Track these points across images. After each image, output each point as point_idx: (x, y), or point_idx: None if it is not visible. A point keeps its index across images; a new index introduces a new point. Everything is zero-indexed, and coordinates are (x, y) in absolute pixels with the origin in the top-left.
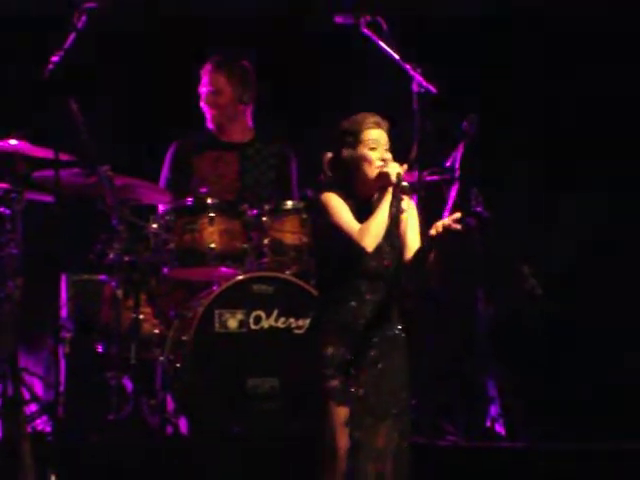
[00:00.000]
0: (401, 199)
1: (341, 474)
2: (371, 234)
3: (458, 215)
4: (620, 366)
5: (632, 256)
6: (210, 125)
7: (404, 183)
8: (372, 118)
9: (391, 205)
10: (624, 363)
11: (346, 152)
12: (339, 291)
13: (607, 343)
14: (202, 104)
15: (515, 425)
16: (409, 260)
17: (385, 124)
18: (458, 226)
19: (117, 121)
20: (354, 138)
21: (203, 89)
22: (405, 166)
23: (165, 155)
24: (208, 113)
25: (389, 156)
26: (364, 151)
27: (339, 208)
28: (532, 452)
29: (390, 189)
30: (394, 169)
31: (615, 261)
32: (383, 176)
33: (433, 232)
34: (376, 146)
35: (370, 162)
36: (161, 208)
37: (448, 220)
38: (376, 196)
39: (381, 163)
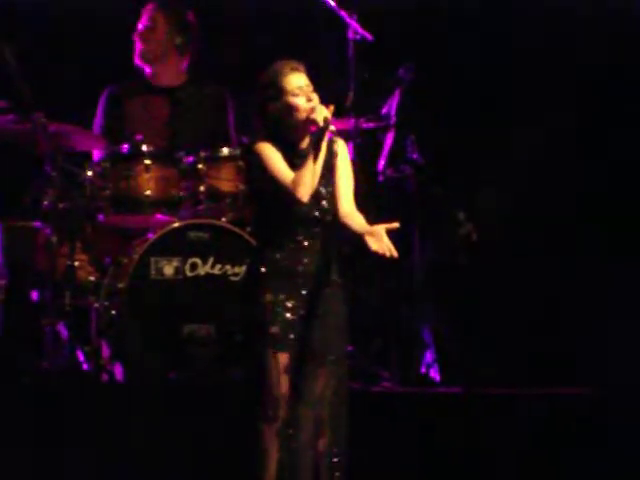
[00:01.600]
0: (332, 142)
1: (280, 420)
2: (305, 184)
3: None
4: (557, 309)
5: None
6: (137, 61)
7: (332, 127)
8: (288, 65)
9: (318, 150)
10: (560, 306)
11: (271, 105)
12: (276, 238)
13: (542, 285)
14: (135, 38)
15: (449, 370)
16: (343, 214)
17: (302, 66)
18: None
19: (51, 66)
20: (275, 89)
21: (140, 25)
22: (332, 107)
23: (98, 100)
24: (137, 48)
25: (315, 97)
26: (289, 99)
27: (272, 158)
28: (467, 397)
29: (319, 135)
30: (321, 114)
31: (549, 201)
32: (311, 122)
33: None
34: (299, 92)
35: (297, 109)
36: (96, 155)
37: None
38: (307, 141)
39: (308, 106)
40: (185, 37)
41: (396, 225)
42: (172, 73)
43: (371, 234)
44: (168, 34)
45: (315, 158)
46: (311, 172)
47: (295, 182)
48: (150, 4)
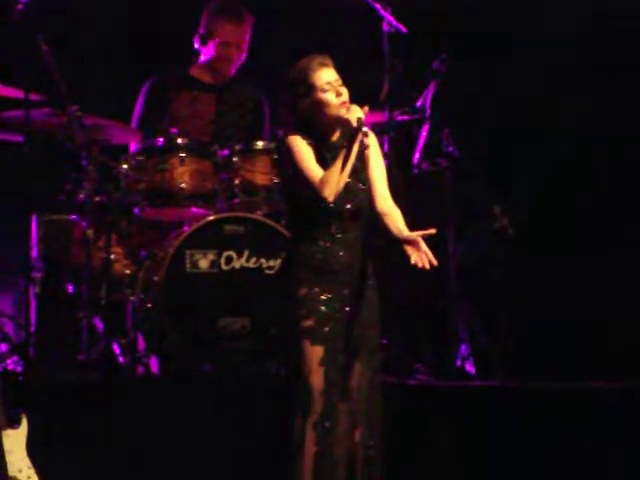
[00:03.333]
0: (364, 143)
1: (316, 413)
2: (331, 185)
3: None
4: (589, 305)
5: (600, 193)
6: (199, 73)
7: (365, 128)
8: (316, 60)
9: (351, 150)
10: (592, 302)
11: (302, 103)
12: (310, 231)
13: (576, 281)
14: (219, 53)
15: (485, 364)
16: (382, 211)
17: (329, 60)
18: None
19: (86, 59)
20: (305, 86)
21: (223, 40)
22: (366, 108)
23: (140, 91)
24: (217, 62)
25: (344, 91)
26: (319, 96)
27: (302, 153)
28: (502, 391)
29: (351, 136)
30: (355, 114)
31: (581, 200)
32: (344, 122)
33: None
34: (328, 87)
35: (328, 105)
36: (133, 148)
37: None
38: (337, 134)
39: (338, 101)
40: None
41: (432, 231)
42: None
43: (409, 242)
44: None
45: (346, 159)
46: (339, 173)
47: (322, 181)
48: (228, 13)
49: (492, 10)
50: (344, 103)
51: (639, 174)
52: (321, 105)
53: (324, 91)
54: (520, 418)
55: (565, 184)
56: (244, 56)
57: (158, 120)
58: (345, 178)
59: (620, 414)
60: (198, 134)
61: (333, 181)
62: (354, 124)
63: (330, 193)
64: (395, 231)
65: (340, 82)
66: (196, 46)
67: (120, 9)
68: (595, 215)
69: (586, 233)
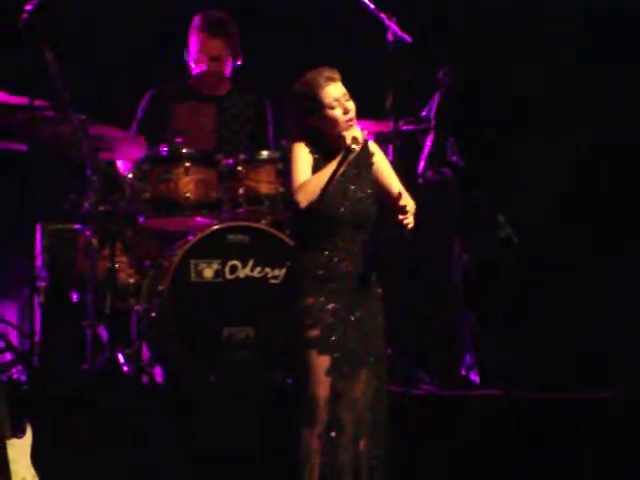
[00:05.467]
0: (366, 142)
1: (321, 423)
2: (306, 191)
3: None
4: (592, 316)
5: (603, 203)
6: (198, 84)
7: (354, 146)
8: (324, 74)
9: (340, 167)
10: (598, 312)
11: (309, 118)
12: (315, 240)
13: (580, 291)
14: (200, 68)
15: (490, 373)
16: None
17: (337, 74)
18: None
19: (90, 68)
20: (313, 103)
21: (199, 55)
22: (365, 132)
23: (140, 102)
24: (202, 78)
25: (352, 106)
26: (327, 113)
27: (299, 159)
28: (506, 400)
29: (344, 154)
30: (351, 133)
31: (586, 210)
32: (342, 139)
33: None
34: (336, 104)
35: (336, 122)
36: (123, 165)
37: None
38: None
39: (346, 118)
40: (237, 46)
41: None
42: (223, 83)
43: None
44: (230, 58)
45: (333, 174)
46: (320, 183)
47: (300, 185)
48: (201, 27)
49: (497, 15)
50: (351, 120)
51: None
52: (329, 122)
53: (332, 108)
54: (524, 428)
55: (571, 193)
56: (238, 62)
57: (158, 131)
58: (321, 187)
59: (624, 424)
60: (201, 145)
61: (309, 188)
62: (348, 142)
63: (302, 199)
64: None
65: (347, 96)
66: (187, 61)
67: (123, 19)
68: (602, 225)
69: (592, 242)
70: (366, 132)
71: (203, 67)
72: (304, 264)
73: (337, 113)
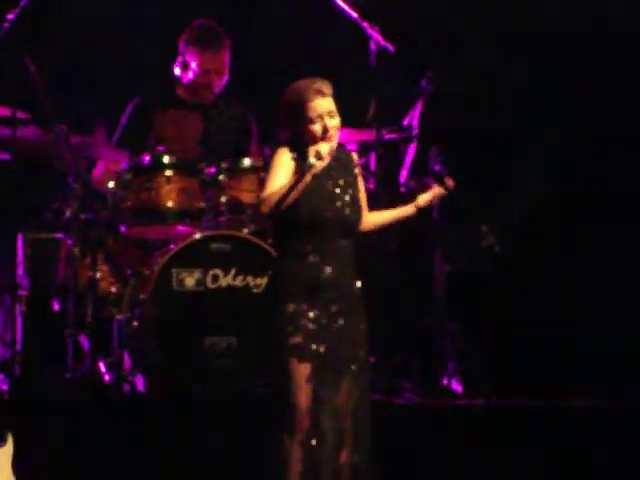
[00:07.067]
0: (349, 152)
1: (302, 431)
2: (268, 202)
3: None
4: (576, 324)
5: (585, 210)
6: (185, 94)
7: (312, 160)
8: (314, 86)
9: (301, 179)
10: (581, 321)
11: (292, 125)
12: (298, 247)
13: (566, 297)
14: (193, 80)
15: (471, 383)
16: (375, 222)
17: (328, 88)
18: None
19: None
20: (298, 112)
21: (202, 68)
22: (327, 148)
23: (124, 111)
24: (199, 89)
25: (335, 123)
26: (307, 127)
27: (277, 166)
28: (488, 409)
29: (306, 166)
30: (316, 148)
31: (567, 215)
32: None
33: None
34: (318, 120)
35: (313, 137)
36: (97, 170)
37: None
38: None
39: (322, 135)
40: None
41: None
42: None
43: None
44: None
45: (292, 187)
46: (282, 193)
47: (266, 195)
48: (204, 42)
49: (479, 23)
50: (329, 137)
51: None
52: (308, 135)
53: (313, 123)
54: (507, 437)
55: (556, 198)
56: (225, 78)
57: (141, 139)
58: (283, 199)
59: (613, 433)
60: (185, 153)
61: (272, 199)
62: (310, 156)
63: (265, 208)
64: (399, 212)
65: (333, 113)
66: (177, 72)
67: (107, 27)
68: (587, 230)
69: (577, 248)
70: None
71: (202, 80)
72: (287, 271)
73: (316, 129)
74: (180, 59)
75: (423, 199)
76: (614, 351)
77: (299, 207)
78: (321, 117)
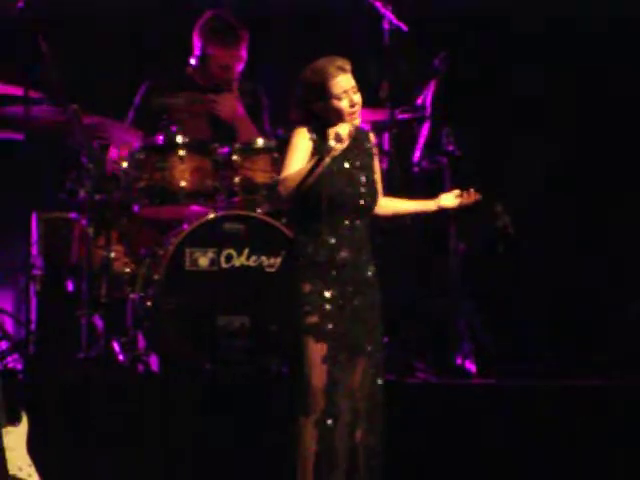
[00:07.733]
0: (368, 132)
1: (317, 411)
2: (285, 184)
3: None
4: (590, 303)
5: (594, 188)
6: (200, 79)
7: (332, 143)
8: (335, 63)
9: (321, 161)
10: (595, 300)
11: (315, 105)
12: (314, 228)
13: (578, 279)
14: (217, 74)
15: (485, 362)
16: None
17: (348, 65)
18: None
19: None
20: (320, 91)
21: (221, 64)
22: (347, 130)
23: (136, 92)
24: (216, 79)
25: (358, 99)
26: (334, 103)
27: (295, 148)
28: (502, 389)
29: (327, 148)
30: (337, 129)
31: (577, 196)
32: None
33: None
34: (344, 95)
35: (341, 114)
36: (112, 152)
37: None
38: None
39: (351, 110)
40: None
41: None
42: None
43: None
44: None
45: (311, 170)
46: (301, 176)
47: (285, 177)
48: (233, 38)
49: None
50: (354, 113)
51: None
52: (334, 112)
53: (339, 99)
54: (520, 417)
55: (566, 181)
56: (243, 64)
57: (154, 121)
58: (299, 181)
59: (621, 412)
60: (197, 134)
61: (289, 182)
62: (330, 138)
63: (283, 190)
64: (416, 206)
65: (355, 89)
66: (193, 63)
67: (121, 9)
68: (596, 213)
69: (587, 230)
70: (354, 128)
71: (220, 74)
72: (304, 251)
73: (343, 105)
74: (197, 52)
75: (447, 201)
76: (630, 332)
77: (316, 188)
78: (346, 92)
